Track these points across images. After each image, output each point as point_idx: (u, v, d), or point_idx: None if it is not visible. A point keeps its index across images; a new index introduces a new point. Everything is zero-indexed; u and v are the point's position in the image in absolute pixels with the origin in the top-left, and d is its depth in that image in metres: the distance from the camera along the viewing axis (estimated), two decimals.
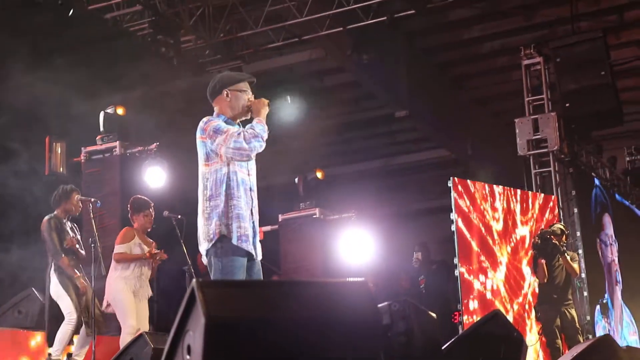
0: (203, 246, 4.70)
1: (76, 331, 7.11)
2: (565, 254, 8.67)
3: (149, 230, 7.52)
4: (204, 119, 4.78)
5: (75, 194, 7.41)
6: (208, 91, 4.92)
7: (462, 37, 12.41)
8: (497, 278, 9.29)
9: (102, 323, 7.20)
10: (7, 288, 8.25)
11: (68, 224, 7.37)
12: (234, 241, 4.61)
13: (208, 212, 4.66)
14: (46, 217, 7.27)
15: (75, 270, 7.18)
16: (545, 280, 8.63)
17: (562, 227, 9.02)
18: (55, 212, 7.33)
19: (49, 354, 7.02)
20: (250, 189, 4.75)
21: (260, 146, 4.67)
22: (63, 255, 7.14)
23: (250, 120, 4.84)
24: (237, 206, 4.64)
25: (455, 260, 8.94)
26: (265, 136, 4.70)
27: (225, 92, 4.83)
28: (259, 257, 4.82)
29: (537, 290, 9.20)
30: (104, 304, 7.38)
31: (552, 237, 8.61)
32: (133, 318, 7.12)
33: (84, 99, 11.96)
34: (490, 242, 9.38)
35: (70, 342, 7.19)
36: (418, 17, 10.93)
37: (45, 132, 10.25)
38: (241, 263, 4.62)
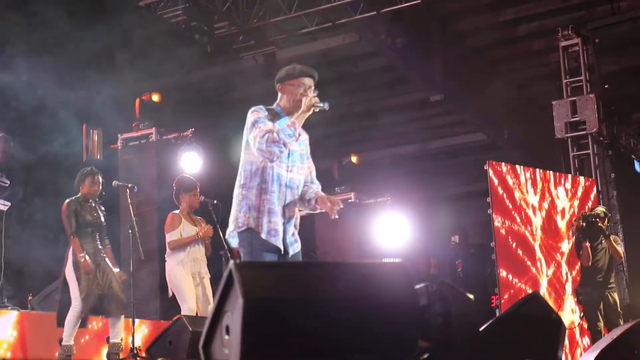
0: (230, 228, 4.74)
1: (83, 316, 7.05)
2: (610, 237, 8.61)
3: (196, 208, 7.55)
4: (252, 108, 4.76)
5: (89, 178, 7.35)
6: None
7: (498, 19, 12.26)
8: (534, 260, 9.21)
9: (119, 305, 7.13)
10: (49, 274, 8.35)
11: (91, 204, 7.34)
12: (264, 235, 4.61)
13: (239, 200, 4.70)
14: (67, 200, 7.27)
15: (82, 250, 7.10)
16: (590, 264, 8.54)
17: (604, 210, 8.92)
18: (78, 195, 7.35)
19: (60, 339, 7.04)
20: (287, 185, 4.70)
21: (279, 151, 4.60)
22: (73, 237, 7.14)
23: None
24: (269, 201, 4.63)
25: (492, 244, 8.88)
26: (290, 141, 4.62)
27: (279, 87, 4.82)
28: (294, 251, 4.78)
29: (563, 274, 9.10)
30: (170, 292, 7.41)
31: (597, 220, 8.52)
32: (192, 301, 7.16)
33: (119, 86, 12.06)
34: (528, 224, 9.30)
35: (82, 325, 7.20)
36: (452, 0, 10.83)
37: (81, 120, 10.35)
38: (269, 257, 4.62)
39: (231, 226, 4.73)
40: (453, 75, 12.79)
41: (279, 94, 4.86)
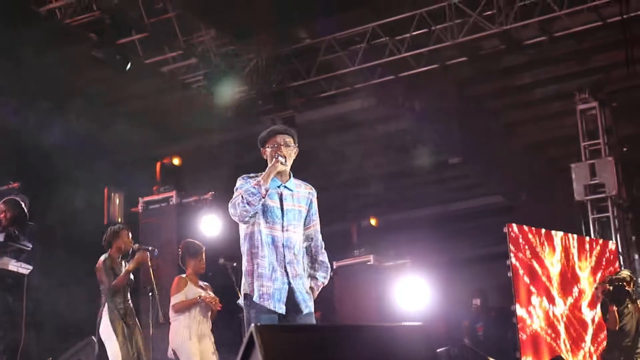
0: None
1: None
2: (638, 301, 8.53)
3: (201, 273, 7.58)
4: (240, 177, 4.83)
5: (124, 231, 7.45)
6: None
7: (515, 83, 12.37)
8: (557, 324, 9.12)
9: None
10: (70, 336, 8.34)
11: (122, 263, 7.39)
12: (256, 299, 4.61)
13: (243, 268, 4.75)
14: (101, 258, 7.29)
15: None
16: (617, 327, 8.44)
17: (629, 273, 8.85)
18: (109, 253, 7.38)
19: None
20: (283, 245, 4.67)
21: (246, 211, 4.57)
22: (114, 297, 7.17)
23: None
24: (260, 265, 4.62)
25: (513, 307, 8.82)
26: (254, 199, 4.56)
27: (262, 151, 4.87)
28: (307, 310, 4.71)
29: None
30: (169, 352, 7.41)
31: (623, 283, 8.45)
32: None
33: (141, 150, 12.21)
34: (549, 287, 9.23)
35: None
36: (470, 64, 10.97)
37: (103, 183, 10.47)
38: (265, 320, 4.58)
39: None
40: (471, 138, 12.86)
41: None
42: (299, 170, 4.93)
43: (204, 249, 7.67)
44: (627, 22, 9.83)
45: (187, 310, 7.34)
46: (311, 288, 4.78)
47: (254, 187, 4.59)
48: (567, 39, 10.50)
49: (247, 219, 4.61)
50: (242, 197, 4.58)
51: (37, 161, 10.50)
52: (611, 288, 8.50)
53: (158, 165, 10.58)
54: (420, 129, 12.70)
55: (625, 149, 10.75)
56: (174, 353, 7.40)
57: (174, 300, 7.37)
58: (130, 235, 7.48)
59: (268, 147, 4.79)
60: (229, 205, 4.66)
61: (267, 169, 4.68)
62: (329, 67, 11.06)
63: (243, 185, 4.70)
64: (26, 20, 9.53)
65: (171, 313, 7.42)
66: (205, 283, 7.64)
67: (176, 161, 10.65)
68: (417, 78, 11.00)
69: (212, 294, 7.52)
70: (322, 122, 12.46)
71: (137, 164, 11.56)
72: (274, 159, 4.68)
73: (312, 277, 4.81)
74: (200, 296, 7.37)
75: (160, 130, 12.16)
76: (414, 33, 10.34)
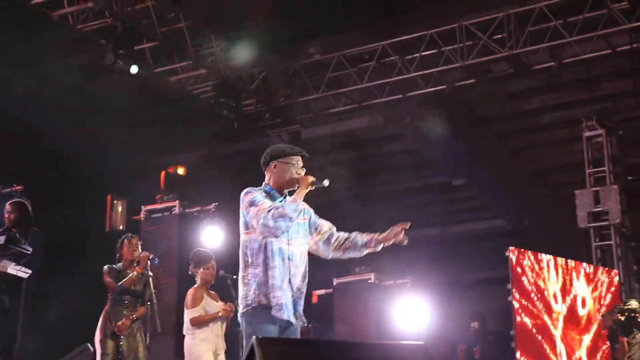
0: (240, 308, 4.80)
1: None
2: None
3: (211, 283, 7.54)
4: (245, 190, 4.83)
5: (132, 240, 7.61)
6: (261, 161, 4.98)
7: (523, 107, 12.38)
8: (555, 350, 9.08)
9: None
10: (68, 342, 8.30)
11: (129, 271, 7.48)
12: (273, 311, 4.66)
13: (248, 279, 4.74)
14: (106, 266, 7.49)
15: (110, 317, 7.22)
16: (625, 359, 8.35)
17: (638, 303, 8.75)
18: (117, 259, 7.55)
19: None
20: (289, 259, 4.75)
21: (286, 226, 4.65)
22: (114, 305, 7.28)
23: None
24: (273, 276, 4.69)
25: (512, 332, 8.78)
26: (295, 216, 4.67)
27: (273, 164, 4.87)
28: (301, 324, 4.79)
29: None
30: None
31: (637, 314, 8.34)
32: None
33: (146, 158, 12.20)
34: (550, 312, 9.19)
35: None
36: (478, 87, 10.98)
37: (107, 190, 10.47)
38: (272, 330, 4.66)
39: (241, 306, 4.76)
40: (476, 161, 12.86)
41: (268, 174, 4.87)
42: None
43: (212, 257, 7.63)
44: (636, 51, 9.86)
45: (206, 325, 7.30)
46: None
47: (293, 204, 4.65)
48: (576, 66, 10.52)
49: (280, 233, 4.66)
50: (284, 210, 4.61)
51: (41, 165, 10.51)
52: (622, 318, 8.38)
53: (163, 174, 10.59)
54: (426, 149, 12.69)
55: (629, 178, 10.73)
56: None
57: (192, 313, 7.30)
58: (135, 243, 7.57)
59: (287, 162, 4.84)
60: (261, 217, 4.62)
61: (303, 188, 4.73)
62: (338, 84, 11.08)
63: (259, 197, 4.72)
64: (38, 25, 9.56)
65: (187, 326, 7.37)
66: (213, 292, 7.60)
67: (181, 171, 10.66)
68: (425, 98, 11.02)
69: (222, 303, 7.49)
70: (328, 138, 12.47)
71: (142, 172, 11.56)
72: (307, 180, 4.74)
73: (359, 234, 4.99)
74: (220, 312, 7.33)
75: (166, 139, 12.16)
76: (424, 53, 10.36)
